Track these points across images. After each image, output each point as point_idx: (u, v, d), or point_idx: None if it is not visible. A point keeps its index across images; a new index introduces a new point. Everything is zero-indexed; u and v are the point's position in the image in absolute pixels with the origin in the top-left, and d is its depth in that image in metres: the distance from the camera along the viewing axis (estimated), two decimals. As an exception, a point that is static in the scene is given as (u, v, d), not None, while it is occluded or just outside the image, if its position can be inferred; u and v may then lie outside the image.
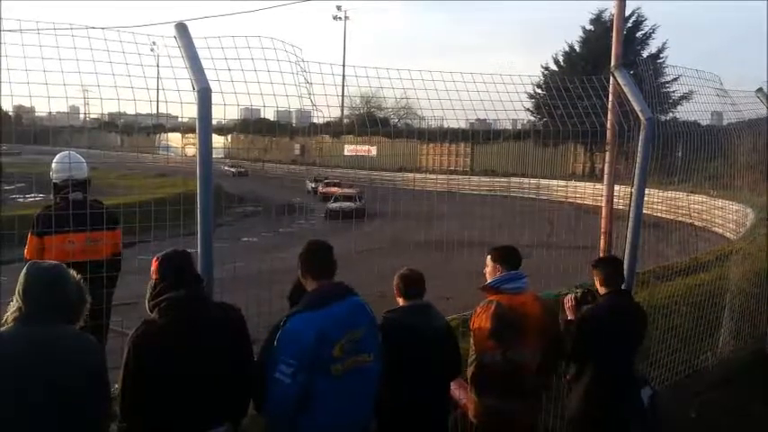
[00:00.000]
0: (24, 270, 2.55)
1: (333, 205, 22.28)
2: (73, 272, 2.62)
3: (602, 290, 4.06)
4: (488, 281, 3.77)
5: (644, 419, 3.85)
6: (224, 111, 3.29)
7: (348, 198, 23.00)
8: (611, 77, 4.82)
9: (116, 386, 2.79)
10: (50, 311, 2.50)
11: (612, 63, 5.04)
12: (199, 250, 3.17)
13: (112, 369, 2.76)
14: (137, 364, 2.66)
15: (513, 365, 3.57)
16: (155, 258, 2.90)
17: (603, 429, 3.93)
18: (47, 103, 3.36)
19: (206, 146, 3.14)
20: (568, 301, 4.10)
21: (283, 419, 2.93)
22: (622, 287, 4.16)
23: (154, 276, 2.86)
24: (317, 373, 2.88)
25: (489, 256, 3.81)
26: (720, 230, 13.54)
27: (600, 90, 4.84)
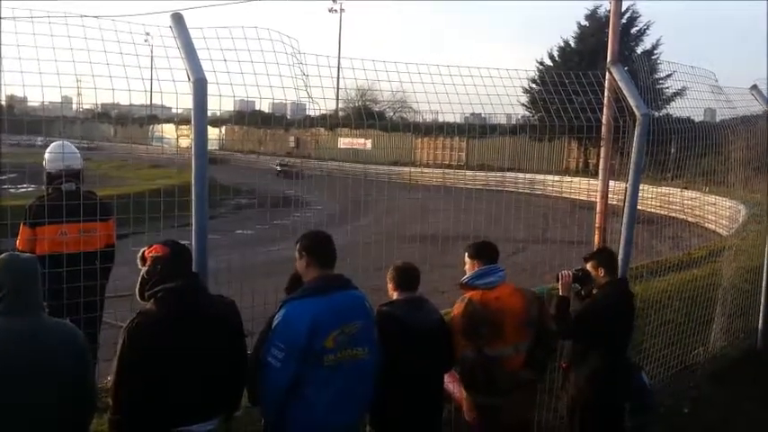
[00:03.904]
0: (2, 263, 2.53)
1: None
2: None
3: (604, 279, 4.10)
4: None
5: (646, 403, 3.90)
6: (220, 102, 3.27)
7: None
8: (608, 73, 4.82)
9: (108, 378, 2.77)
10: (32, 302, 2.50)
11: (609, 59, 5.03)
12: (193, 242, 3.15)
13: (105, 361, 2.74)
14: (132, 355, 2.64)
15: (491, 361, 3.56)
16: (152, 247, 2.87)
17: (608, 412, 3.98)
18: (40, 93, 3.32)
19: (201, 137, 3.12)
20: (564, 276, 4.12)
21: (274, 405, 2.94)
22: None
23: (150, 264, 2.83)
24: (309, 361, 2.88)
25: (466, 253, 3.79)
26: (713, 226, 13.61)
27: (596, 86, 4.84)
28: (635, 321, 4.38)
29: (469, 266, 3.75)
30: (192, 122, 3.10)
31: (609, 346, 4.01)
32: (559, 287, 4.21)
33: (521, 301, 3.67)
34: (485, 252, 3.74)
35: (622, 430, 4.08)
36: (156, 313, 2.72)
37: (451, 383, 3.84)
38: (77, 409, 2.57)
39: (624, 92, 4.50)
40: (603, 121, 5.17)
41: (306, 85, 3.75)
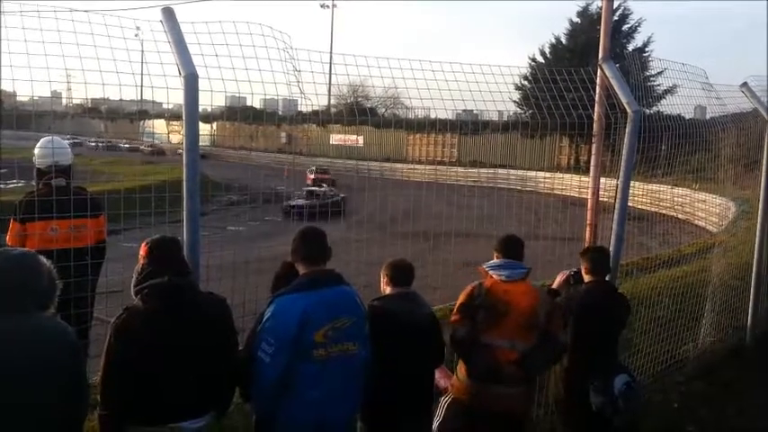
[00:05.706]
0: None
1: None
2: (42, 257, 2.58)
3: (587, 278, 4.13)
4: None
5: (615, 407, 3.90)
6: (211, 97, 3.25)
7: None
8: (599, 70, 4.83)
9: (98, 374, 2.76)
10: (25, 300, 2.47)
11: (600, 55, 5.05)
12: (185, 238, 3.14)
13: (96, 357, 2.73)
14: (118, 351, 2.64)
15: (482, 347, 3.60)
16: (144, 243, 2.87)
17: (581, 412, 4.00)
18: (29, 87, 3.29)
19: (192, 133, 3.10)
20: (561, 276, 4.24)
21: (265, 400, 2.94)
22: (606, 278, 4.26)
23: (141, 261, 2.83)
24: (299, 356, 2.89)
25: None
26: (702, 223, 13.70)
27: (587, 83, 4.86)
28: (620, 322, 4.32)
29: (494, 258, 3.86)
30: (184, 118, 3.08)
31: (580, 346, 3.95)
32: (555, 282, 4.27)
33: (530, 302, 3.67)
34: (506, 248, 3.85)
35: (605, 427, 4.06)
36: (142, 309, 2.71)
37: (442, 378, 3.85)
38: (74, 405, 2.56)
39: (615, 89, 4.51)
40: (595, 117, 5.19)
41: (298, 81, 3.74)
